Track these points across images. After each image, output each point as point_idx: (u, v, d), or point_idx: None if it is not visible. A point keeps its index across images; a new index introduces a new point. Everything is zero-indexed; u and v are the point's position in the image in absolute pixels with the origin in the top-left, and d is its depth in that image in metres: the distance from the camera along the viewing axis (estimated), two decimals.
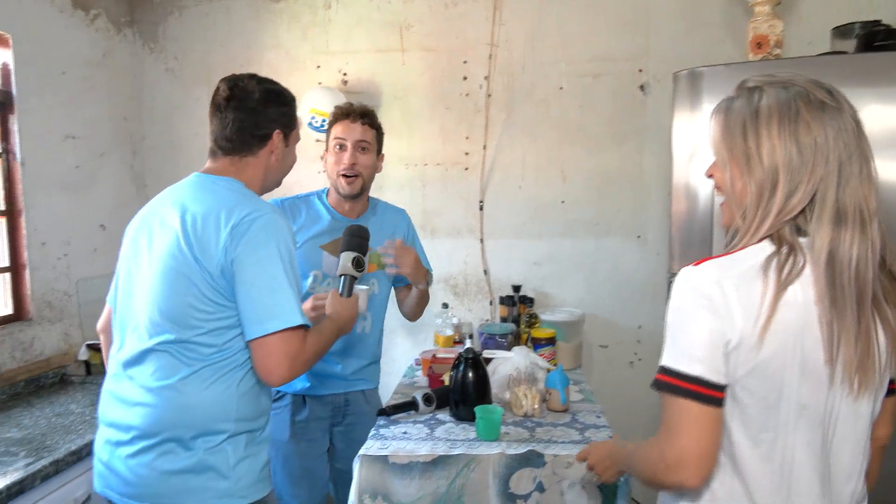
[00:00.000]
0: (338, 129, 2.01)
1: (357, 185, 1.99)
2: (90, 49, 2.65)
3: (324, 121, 2.67)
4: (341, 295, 1.67)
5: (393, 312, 2.20)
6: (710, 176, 1.10)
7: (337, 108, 2.06)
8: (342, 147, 1.99)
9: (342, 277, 1.68)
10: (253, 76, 1.51)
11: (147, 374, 1.34)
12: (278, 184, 1.60)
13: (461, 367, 1.93)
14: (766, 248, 0.98)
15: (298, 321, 1.34)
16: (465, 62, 2.82)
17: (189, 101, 2.98)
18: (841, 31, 2.15)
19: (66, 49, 2.50)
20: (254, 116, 1.45)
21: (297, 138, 1.60)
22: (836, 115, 0.97)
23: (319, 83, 2.88)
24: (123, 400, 1.37)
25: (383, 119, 2.84)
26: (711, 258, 0.99)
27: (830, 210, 0.95)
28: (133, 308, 1.39)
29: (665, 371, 0.98)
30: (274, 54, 2.92)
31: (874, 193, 0.97)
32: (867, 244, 0.95)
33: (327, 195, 2.08)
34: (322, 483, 2.09)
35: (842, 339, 0.94)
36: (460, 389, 1.92)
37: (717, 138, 1.04)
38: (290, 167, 1.61)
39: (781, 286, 0.94)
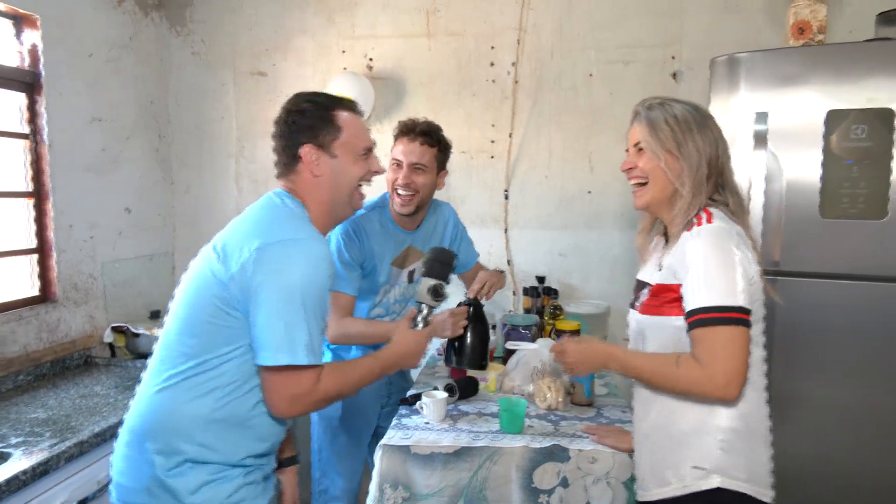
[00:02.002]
0: (397, 147, 1.98)
1: (413, 204, 1.96)
2: (118, 32, 2.64)
3: None
4: (413, 326, 1.55)
5: None
6: (630, 169, 1.39)
7: (401, 123, 2.00)
8: (399, 165, 1.96)
9: (420, 306, 1.55)
10: (300, 94, 1.44)
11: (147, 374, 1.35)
12: (349, 206, 1.45)
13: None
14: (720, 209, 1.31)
15: (304, 360, 1.23)
16: (492, 48, 2.77)
17: (215, 85, 2.97)
18: (885, 18, 2.07)
19: (93, 31, 2.50)
20: (281, 139, 1.40)
21: (351, 147, 1.41)
22: (716, 122, 1.36)
23: (345, 68, 2.85)
24: None
25: (408, 105, 2.84)
26: (711, 217, 1.27)
27: (731, 180, 1.35)
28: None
29: (714, 308, 1.20)
30: (300, 39, 2.90)
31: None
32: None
33: (390, 201, 2.04)
34: (362, 461, 2.16)
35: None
36: (458, 340, 1.89)
37: (647, 135, 1.35)
38: (353, 182, 1.43)
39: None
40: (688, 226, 1.29)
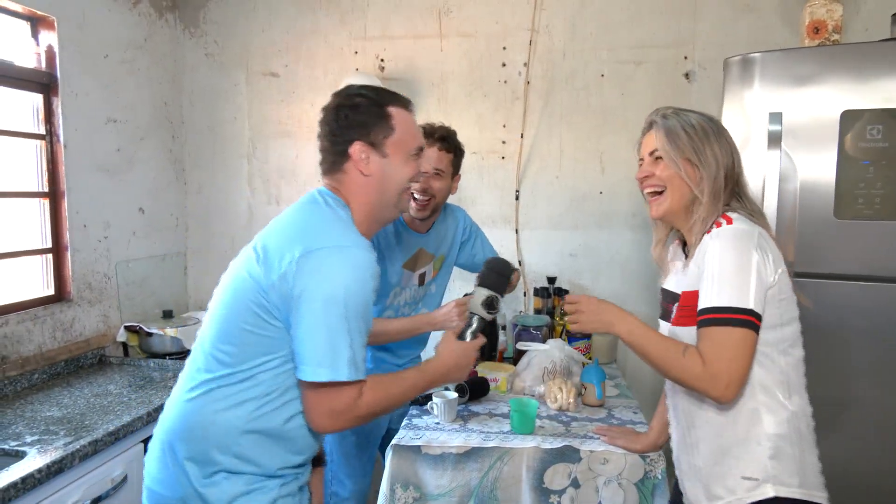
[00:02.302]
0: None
1: (429, 209, 1.96)
2: (133, 33, 2.67)
3: None
4: (460, 337, 1.45)
5: None
6: (647, 177, 1.37)
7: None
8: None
9: (471, 317, 1.46)
10: (351, 87, 1.38)
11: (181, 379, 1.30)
12: (397, 208, 1.39)
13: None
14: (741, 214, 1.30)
15: (345, 376, 1.17)
16: (503, 48, 2.77)
17: (228, 86, 2.99)
18: None
19: (109, 33, 2.52)
20: (329, 134, 1.33)
21: (403, 145, 1.34)
22: (727, 132, 1.36)
23: (357, 69, 2.86)
24: None
25: (420, 106, 2.84)
26: (730, 220, 1.26)
27: (746, 189, 1.35)
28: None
29: (724, 309, 1.20)
30: (312, 40, 2.91)
31: None
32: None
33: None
34: (372, 462, 2.15)
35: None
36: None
37: (664, 143, 1.33)
38: (403, 183, 1.36)
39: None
40: (707, 230, 1.28)
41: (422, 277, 2.08)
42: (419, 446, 1.68)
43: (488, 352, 1.93)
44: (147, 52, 2.76)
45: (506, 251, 2.84)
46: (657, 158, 1.35)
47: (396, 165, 1.34)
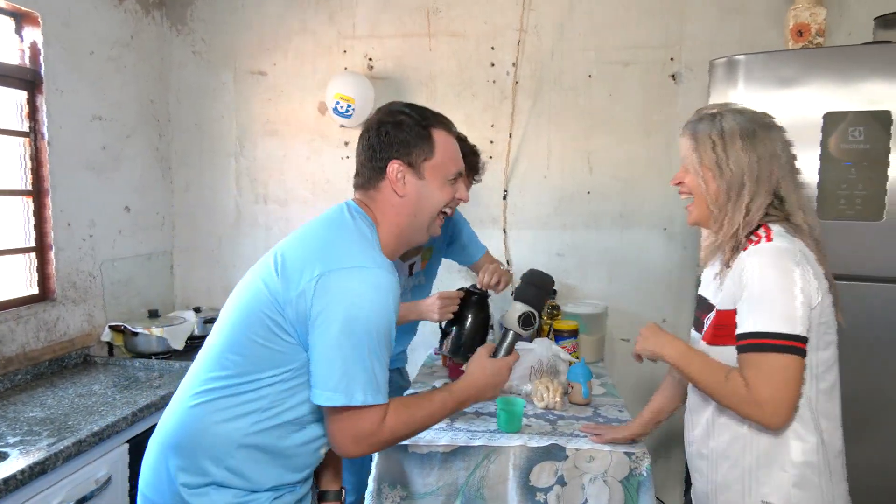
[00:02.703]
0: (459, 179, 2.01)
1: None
2: (119, 30, 2.65)
3: (349, 106, 2.65)
4: (494, 355, 1.38)
5: None
6: (679, 183, 1.35)
7: (469, 159, 1.93)
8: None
9: (505, 332, 1.39)
10: (395, 104, 1.34)
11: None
12: (427, 231, 1.34)
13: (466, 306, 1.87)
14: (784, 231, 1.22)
15: (361, 401, 1.14)
16: (492, 48, 2.78)
17: (216, 84, 2.98)
18: (884, 21, 2.08)
19: (94, 29, 2.50)
20: (368, 149, 1.29)
21: (441, 169, 1.29)
22: (778, 132, 1.28)
23: (345, 68, 2.85)
24: None
25: None
26: (770, 235, 1.20)
27: (792, 196, 1.25)
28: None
29: (769, 335, 1.14)
30: (300, 38, 2.90)
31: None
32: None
33: None
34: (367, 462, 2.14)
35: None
36: (458, 326, 1.85)
37: (690, 150, 1.30)
38: (437, 208, 1.32)
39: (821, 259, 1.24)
40: (744, 245, 1.23)
41: (411, 268, 2.09)
42: (406, 445, 1.68)
43: (467, 353, 1.93)
44: (133, 49, 2.74)
45: (494, 250, 2.84)
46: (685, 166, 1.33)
47: (433, 189, 1.30)
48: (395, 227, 1.30)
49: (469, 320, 1.87)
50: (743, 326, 1.17)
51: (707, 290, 1.38)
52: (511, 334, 1.37)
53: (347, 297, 1.13)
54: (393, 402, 1.22)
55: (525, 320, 1.35)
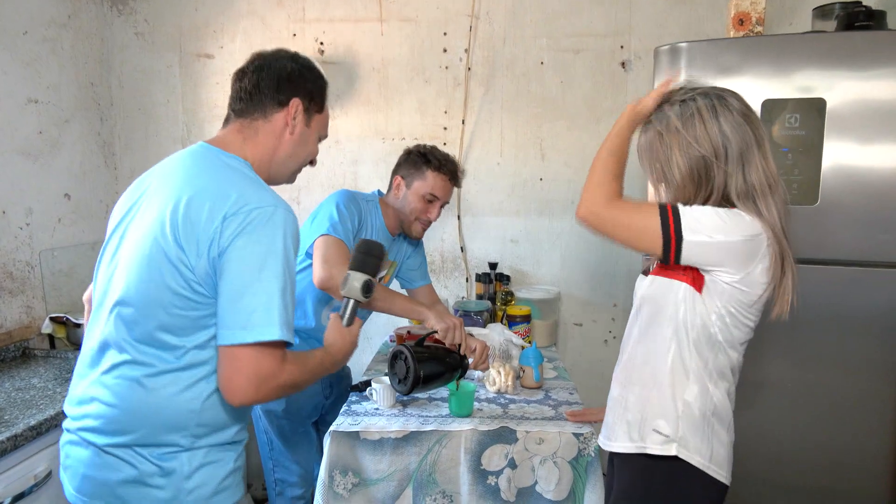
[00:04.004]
0: (437, 183, 2.08)
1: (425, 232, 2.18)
2: (55, 10, 2.53)
3: None
4: (343, 322, 1.46)
5: None
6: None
7: (449, 162, 2.12)
8: (434, 201, 2.10)
9: (346, 301, 1.45)
10: (305, 57, 1.46)
11: (108, 366, 1.21)
12: (289, 177, 1.43)
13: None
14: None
15: (277, 336, 1.14)
16: (444, 34, 2.76)
17: (160, 67, 2.88)
18: (822, 11, 2.14)
19: (28, 8, 2.38)
20: (276, 78, 1.35)
21: (322, 127, 1.45)
22: (728, 115, 1.27)
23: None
24: (85, 390, 1.25)
25: (360, 91, 2.81)
26: None
27: (730, 187, 1.28)
28: (109, 290, 1.24)
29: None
30: (248, 21, 2.83)
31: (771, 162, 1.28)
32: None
33: (382, 207, 2.13)
34: (314, 446, 2.17)
35: None
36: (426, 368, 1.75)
37: (640, 150, 1.39)
38: (306, 159, 1.43)
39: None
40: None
41: (380, 281, 2.11)
42: (357, 432, 1.68)
43: (410, 390, 1.87)
44: (71, 29, 2.62)
45: (448, 237, 2.85)
46: None
47: (308, 142, 1.44)
48: (266, 163, 1.35)
49: (440, 370, 1.78)
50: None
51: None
52: (352, 302, 1.44)
53: (258, 236, 1.15)
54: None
55: (367, 288, 1.43)
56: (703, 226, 1.23)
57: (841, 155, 1.81)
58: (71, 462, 1.25)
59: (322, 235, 1.86)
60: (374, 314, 2.25)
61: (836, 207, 1.81)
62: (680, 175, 1.29)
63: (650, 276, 1.38)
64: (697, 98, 1.29)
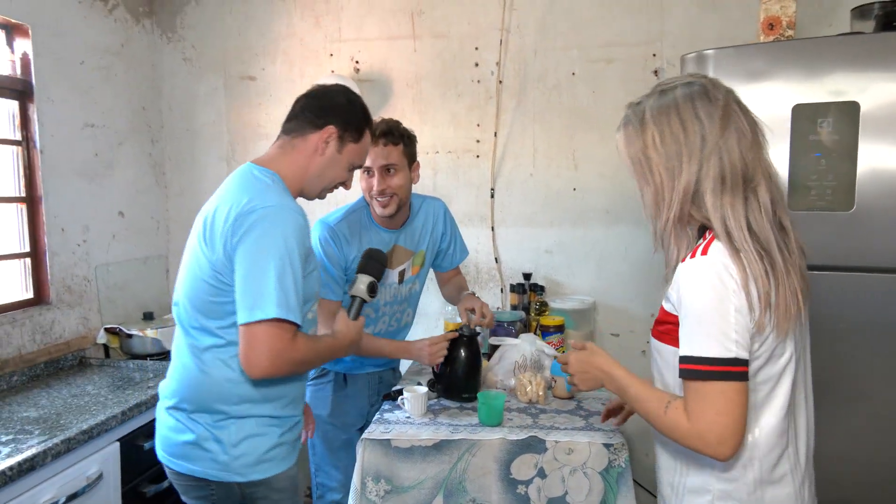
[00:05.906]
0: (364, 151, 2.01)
1: (392, 206, 1.97)
2: (109, 39, 2.70)
3: None
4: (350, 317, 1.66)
5: None
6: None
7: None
8: (369, 172, 1.95)
9: (354, 299, 1.66)
10: (353, 92, 1.64)
11: (178, 346, 1.51)
12: (318, 193, 1.60)
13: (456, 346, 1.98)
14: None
15: (274, 314, 1.31)
16: (476, 48, 2.81)
17: (206, 90, 3.03)
18: (860, 12, 2.09)
19: (84, 39, 2.55)
20: (320, 105, 1.54)
21: (355, 156, 1.60)
22: (707, 105, 1.14)
23: (332, 71, 2.89)
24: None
25: (395, 107, 2.88)
26: (705, 250, 1.12)
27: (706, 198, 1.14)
28: (176, 290, 1.53)
29: (705, 360, 1.07)
30: (288, 43, 2.95)
31: (760, 156, 1.17)
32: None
33: (370, 206, 2.05)
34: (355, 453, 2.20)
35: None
36: (450, 367, 1.96)
37: (619, 145, 1.30)
38: (333, 180, 1.59)
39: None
40: (691, 251, 1.15)
41: (401, 275, 2.10)
42: (389, 440, 1.72)
43: (460, 393, 1.94)
44: (124, 57, 2.79)
45: (482, 248, 2.88)
46: None
47: (338, 166, 1.59)
48: (299, 177, 1.53)
49: (461, 361, 1.95)
50: (682, 349, 1.11)
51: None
52: (358, 300, 1.66)
53: (259, 231, 1.34)
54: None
55: (372, 289, 1.66)
56: (734, 332, 1.08)
57: (877, 159, 1.76)
58: (158, 425, 1.54)
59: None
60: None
61: (873, 213, 1.76)
62: (656, 169, 1.20)
63: (653, 340, 1.26)
64: (678, 87, 1.18)
